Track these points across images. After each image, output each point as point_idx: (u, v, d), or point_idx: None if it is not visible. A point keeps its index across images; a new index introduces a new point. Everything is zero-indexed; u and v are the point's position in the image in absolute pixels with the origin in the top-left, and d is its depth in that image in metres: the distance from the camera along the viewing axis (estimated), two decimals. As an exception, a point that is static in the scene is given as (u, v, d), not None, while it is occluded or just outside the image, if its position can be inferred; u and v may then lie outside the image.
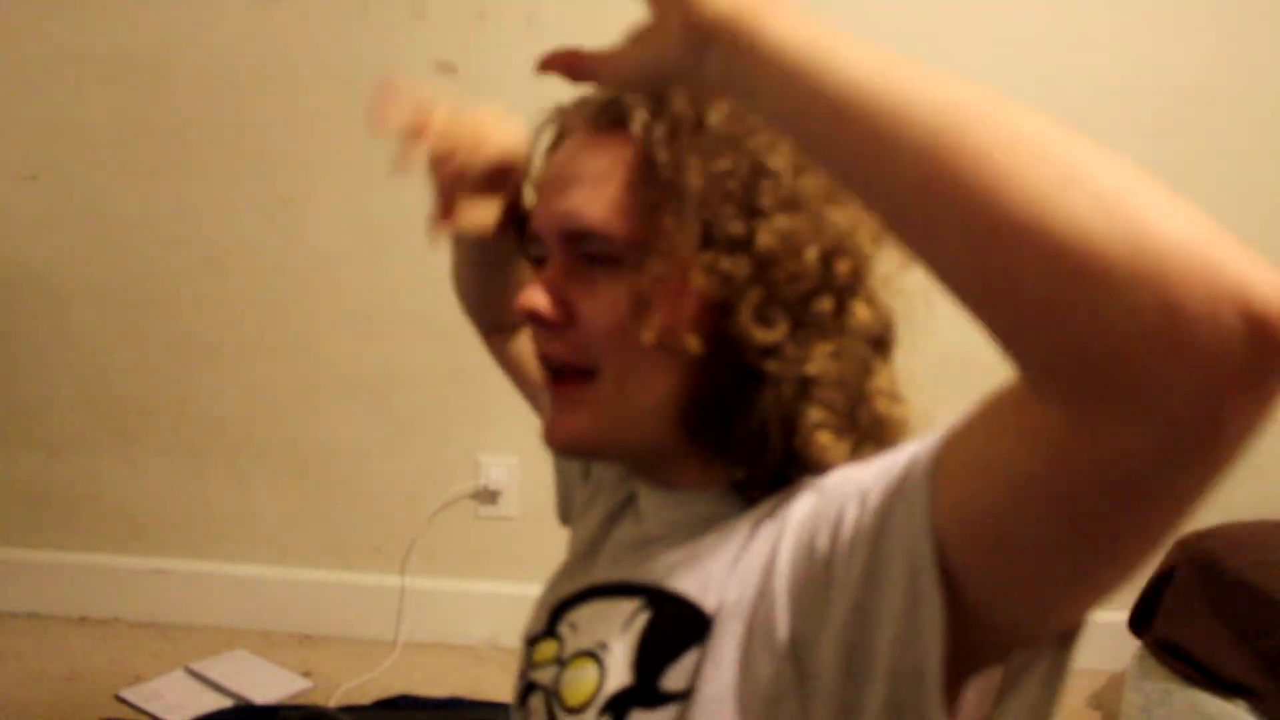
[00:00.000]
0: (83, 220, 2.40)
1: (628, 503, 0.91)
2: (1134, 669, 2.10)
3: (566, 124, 0.82)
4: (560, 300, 0.76)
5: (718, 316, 0.73)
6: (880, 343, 0.76)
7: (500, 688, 2.24)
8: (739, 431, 0.75)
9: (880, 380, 0.76)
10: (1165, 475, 0.47)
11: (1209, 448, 0.45)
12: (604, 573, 0.85)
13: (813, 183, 0.72)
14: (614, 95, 0.78)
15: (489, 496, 2.46)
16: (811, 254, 0.72)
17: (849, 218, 0.73)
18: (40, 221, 2.40)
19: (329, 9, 2.28)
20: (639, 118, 0.75)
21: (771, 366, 0.73)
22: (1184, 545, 2.04)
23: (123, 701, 2.11)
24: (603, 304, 0.75)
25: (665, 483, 0.82)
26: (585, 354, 0.76)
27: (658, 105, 0.75)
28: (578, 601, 0.85)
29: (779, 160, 0.72)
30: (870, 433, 0.75)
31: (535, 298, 0.76)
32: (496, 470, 2.45)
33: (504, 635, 2.46)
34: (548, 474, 2.70)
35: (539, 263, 0.81)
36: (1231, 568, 1.93)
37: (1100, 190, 0.45)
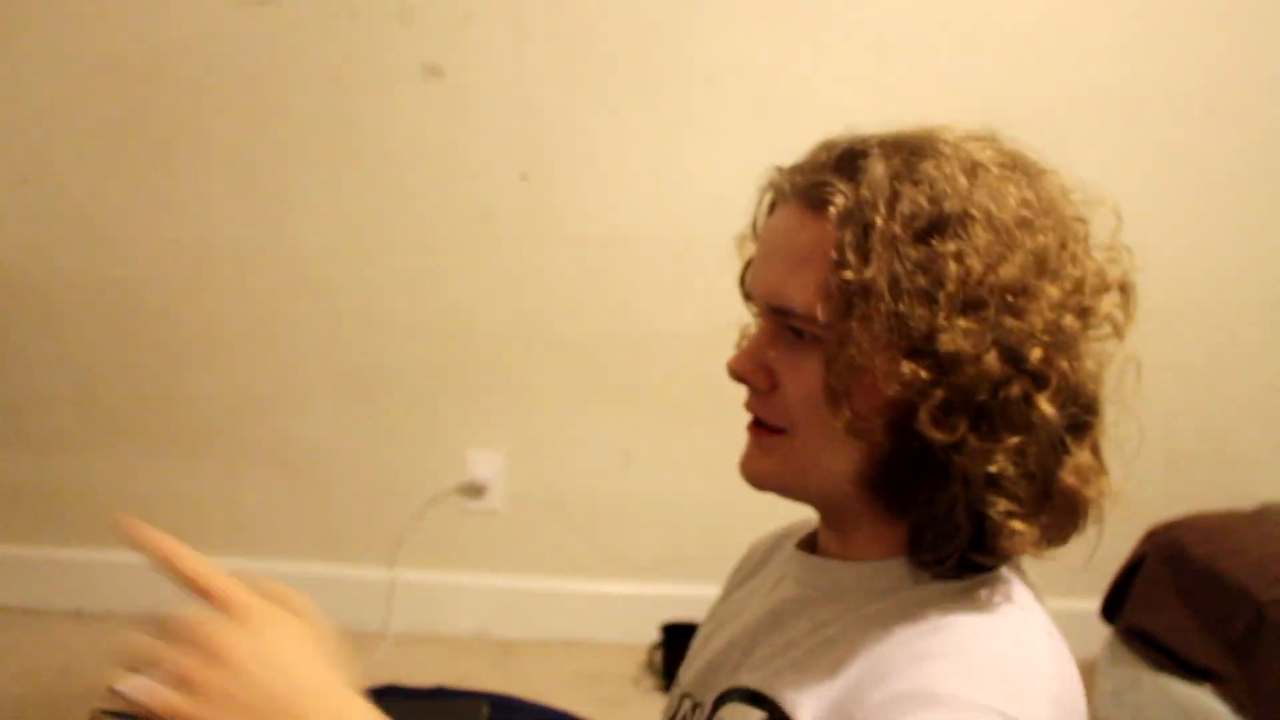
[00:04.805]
0: (74, 221, 2.43)
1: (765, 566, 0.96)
2: (1105, 656, 2.15)
3: (781, 189, 0.82)
4: (764, 366, 0.80)
5: (905, 408, 0.75)
6: (1076, 424, 0.77)
7: (487, 678, 2.28)
8: (926, 512, 0.77)
9: (1076, 459, 0.76)
10: None
11: None
12: (748, 672, 0.86)
13: (1009, 273, 0.73)
14: (821, 170, 0.78)
15: (475, 491, 2.50)
16: (993, 356, 0.72)
17: (1049, 301, 0.74)
18: (32, 223, 2.42)
19: (316, 12, 2.32)
20: (836, 205, 0.76)
21: (956, 461, 0.74)
22: (1153, 535, 2.09)
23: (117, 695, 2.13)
24: (802, 378, 0.78)
25: (835, 538, 0.85)
26: (780, 417, 0.80)
27: (857, 190, 0.75)
28: (727, 699, 0.86)
29: (972, 258, 0.73)
30: (1061, 511, 0.77)
31: (741, 364, 0.81)
32: (483, 465, 2.49)
33: (491, 627, 2.50)
34: (532, 469, 2.75)
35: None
36: (1199, 557, 1.98)
37: None
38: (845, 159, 0.78)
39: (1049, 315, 0.73)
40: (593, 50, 2.30)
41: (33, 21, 2.34)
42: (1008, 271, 0.73)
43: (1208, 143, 2.34)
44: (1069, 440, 0.76)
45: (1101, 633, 2.17)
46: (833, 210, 0.75)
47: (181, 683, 0.58)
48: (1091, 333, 0.77)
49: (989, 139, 0.80)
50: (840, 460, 0.78)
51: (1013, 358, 0.73)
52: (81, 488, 2.52)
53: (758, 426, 0.83)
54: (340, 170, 2.37)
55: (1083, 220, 0.79)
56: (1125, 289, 0.80)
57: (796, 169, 0.81)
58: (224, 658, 0.58)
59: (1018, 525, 0.74)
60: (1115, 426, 0.82)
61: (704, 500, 2.23)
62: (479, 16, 2.30)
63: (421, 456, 2.52)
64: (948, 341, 0.72)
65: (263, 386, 2.49)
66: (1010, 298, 0.73)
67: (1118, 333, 0.79)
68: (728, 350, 0.85)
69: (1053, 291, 0.74)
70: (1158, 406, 2.78)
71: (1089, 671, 2.23)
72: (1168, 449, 2.44)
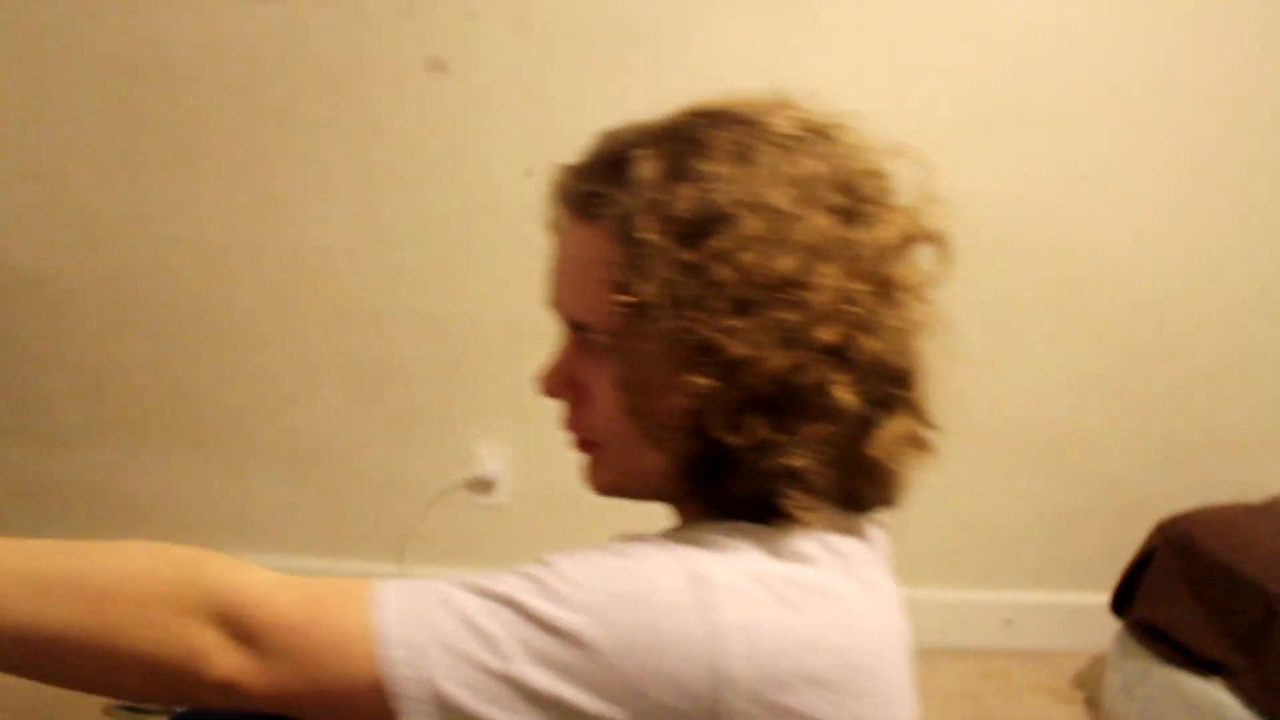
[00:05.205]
0: (81, 218, 2.43)
1: None
2: (1115, 649, 2.15)
3: (557, 194, 0.82)
4: (571, 380, 0.81)
5: (703, 413, 0.74)
6: (885, 399, 0.74)
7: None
8: (732, 501, 0.76)
9: (885, 433, 0.75)
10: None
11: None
12: None
13: (785, 264, 0.70)
14: (589, 175, 0.78)
15: (484, 486, 2.50)
16: (777, 353, 0.70)
17: (833, 283, 0.71)
18: (40, 221, 2.43)
19: (321, 8, 2.31)
20: (606, 216, 0.75)
21: (754, 458, 0.73)
22: (1164, 528, 2.09)
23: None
24: (603, 392, 0.78)
25: (675, 514, 0.86)
26: (592, 431, 0.82)
27: (625, 196, 0.74)
28: None
29: (745, 254, 0.70)
30: (864, 485, 0.76)
31: (550, 382, 0.83)
32: (491, 460, 2.49)
33: (500, 622, 2.50)
34: (540, 464, 2.75)
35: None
36: (1208, 550, 1.97)
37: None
38: (614, 160, 0.76)
39: (835, 298, 0.71)
40: (596, 43, 2.29)
41: (36, 19, 2.33)
42: (784, 263, 0.70)
43: (1212, 134, 2.33)
44: (876, 416, 0.74)
45: (1111, 627, 2.16)
46: (603, 222, 0.75)
47: None
48: (902, 299, 0.75)
49: (781, 106, 0.80)
50: (656, 462, 0.77)
51: (800, 349, 0.71)
52: (90, 482, 2.53)
53: (580, 441, 0.84)
54: (346, 166, 2.37)
55: (879, 174, 0.77)
56: (937, 242, 0.77)
57: (570, 170, 0.81)
58: None
59: (810, 518, 0.73)
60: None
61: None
62: (481, 12, 2.29)
63: (430, 451, 2.52)
64: (728, 347, 0.70)
65: (270, 382, 2.49)
66: (789, 290, 0.70)
67: (923, 293, 0.77)
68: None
69: (834, 272, 0.71)
70: (1164, 398, 2.80)
71: (1099, 665, 2.22)
72: (1175, 441, 2.44)
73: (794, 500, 0.72)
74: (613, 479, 0.83)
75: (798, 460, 0.72)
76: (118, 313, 2.47)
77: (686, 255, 0.71)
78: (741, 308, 0.70)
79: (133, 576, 0.66)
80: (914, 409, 0.77)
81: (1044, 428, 2.43)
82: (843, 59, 2.27)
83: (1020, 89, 2.30)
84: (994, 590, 2.46)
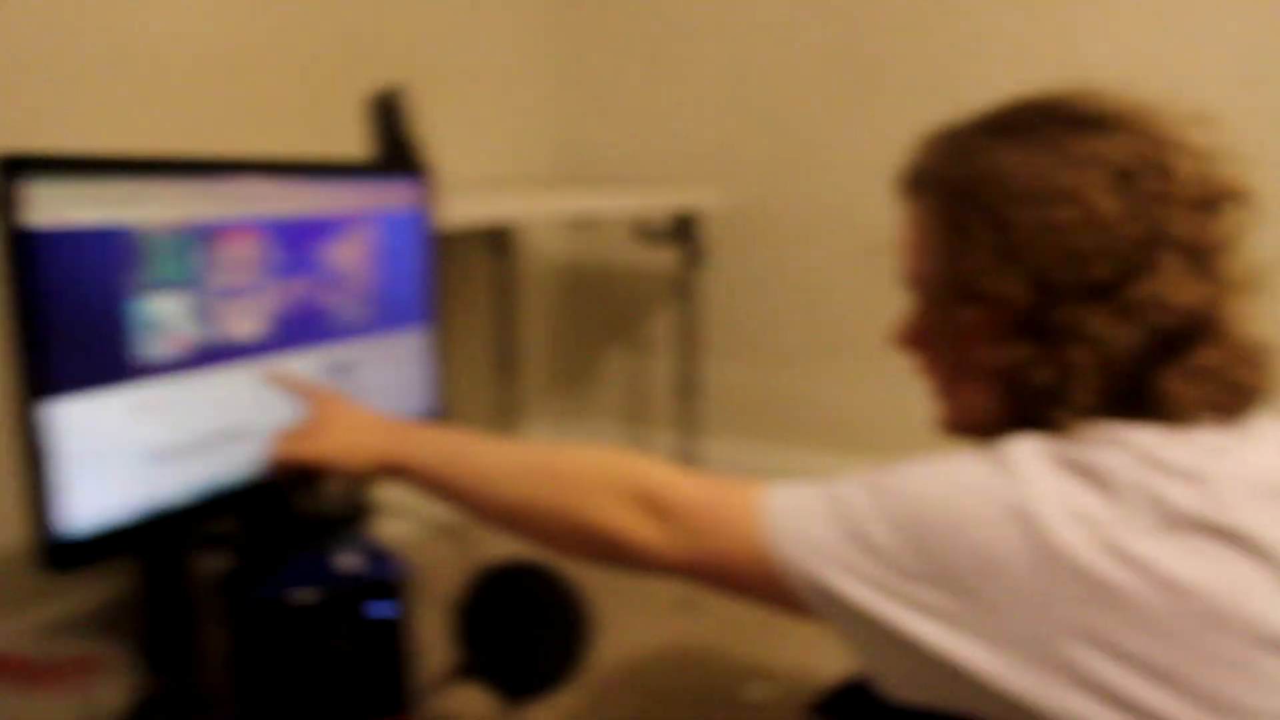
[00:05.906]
0: (794, 154, 2.69)
1: None
2: None
3: (896, 185, 0.98)
4: (911, 335, 0.99)
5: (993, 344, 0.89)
6: (1176, 334, 0.81)
7: None
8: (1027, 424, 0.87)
9: (1182, 365, 0.81)
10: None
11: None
12: None
13: (1041, 215, 0.82)
14: (911, 165, 0.95)
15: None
16: (1027, 290, 0.83)
17: (1098, 228, 0.81)
18: (762, 158, 2.74)
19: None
20: (918, 192, 0.94)
21: (1020, 379, 0.86)
22: None
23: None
24: (928, 337, 0.97)
25: None
26: (933, 375, 0.99)
27: (928, 169, 0.93)
28: None
29: (1007, 209, 0.84)
30: (1159, 412, 0.81)
31: (899, 337, 1.00)
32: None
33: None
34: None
35: None
36: None
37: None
38: (927, 146, 0.93)
39: (1096, 244, 0.80)
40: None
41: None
42: (1037, 214, 0.82)
43: None
44: (1158, 351, 0.81)
45: None
46: (914, 196, 0.94)
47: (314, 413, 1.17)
48: (1191, 248, 0.81)
49: (1090, 94, 0.88)
50: (980, 399, 0.92)
51: (1054, 289, 0.82)
52: (803, 398, 2.80)
53: (934, 389, 0.98)
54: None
55: (1171, 143, 0.82)
56: (1233, 197, 0.83)
57: (905, 162, 0.96)
58: (339, 403, 1.17)
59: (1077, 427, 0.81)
60: None
61: None
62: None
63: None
64: (984, 284, 0.85)
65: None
66: (1046, 236, 0.82)
67: (1224, 248, 0.83)
68: None
69: (1095, 221, 0.80)
70: None
71: None
72: None
73: (1057, 415, 0.83)
74: (954, 418, 0.97)
75: (1052, 376, 0.83)
76: (829, 241, 2.68)
77: (958, 214, 0.87)
78: (999, 252, 0.84)
79: (586, 467, 0.94)
80: (1221, 351, 0.83)
81: None
82: None
83: None
84: None
